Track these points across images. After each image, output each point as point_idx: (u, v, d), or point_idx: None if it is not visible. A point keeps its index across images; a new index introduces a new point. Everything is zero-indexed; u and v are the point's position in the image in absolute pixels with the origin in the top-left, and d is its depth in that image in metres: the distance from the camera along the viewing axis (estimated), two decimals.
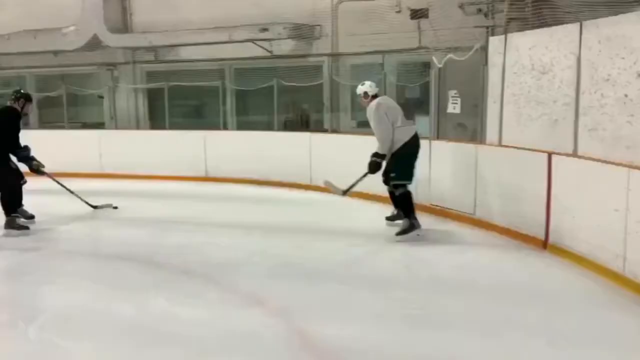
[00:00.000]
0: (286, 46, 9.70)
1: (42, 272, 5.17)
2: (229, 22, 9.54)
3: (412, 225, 5.73)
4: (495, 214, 5.96)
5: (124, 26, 10.71)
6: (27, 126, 11.21)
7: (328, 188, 6.34)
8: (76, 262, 5.40)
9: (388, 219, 6.25)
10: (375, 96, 5.92)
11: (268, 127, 10.00)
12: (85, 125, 11.55)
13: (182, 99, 10.83)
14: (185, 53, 10.45)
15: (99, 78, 11.25)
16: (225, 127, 10.31)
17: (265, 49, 9.69)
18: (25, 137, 10.31)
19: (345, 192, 6.14)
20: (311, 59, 9.65)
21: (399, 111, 5.87)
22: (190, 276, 4.86)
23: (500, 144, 6.14)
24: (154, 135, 10.32)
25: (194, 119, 11.11)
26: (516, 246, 5.54)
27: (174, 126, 10.47)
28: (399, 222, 5.97)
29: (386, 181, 5.87)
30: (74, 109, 11.57)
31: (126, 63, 10.95)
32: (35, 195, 6.81)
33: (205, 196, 8.54)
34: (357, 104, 9.25)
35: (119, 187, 9.09)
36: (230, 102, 10.41)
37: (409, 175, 5.77)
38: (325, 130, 9.52)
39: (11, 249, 5.77)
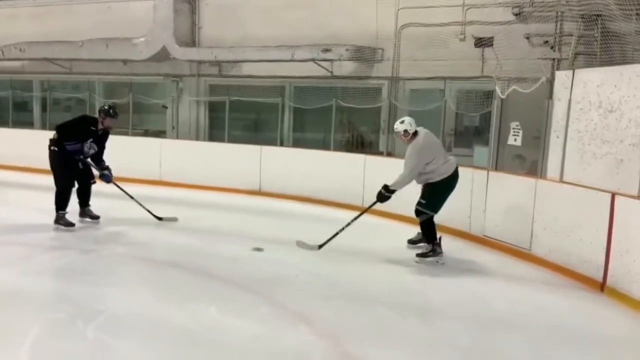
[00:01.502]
0: (347, 67, 9.81)
1: (100, 274, 5.35)
2: (293, 41, 9.73)
3: (434, 251, 5.90)
4: (553, 251, 5.82)
5: (191, 40, 11.06)
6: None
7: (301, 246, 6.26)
8: (132, 267, 5.58)
9: (410, 242, 6.46)
10: (415, 132, 5.91)
11: (324, 145, 10.10)
12: (148, 133, 11.94)
13: (241, 113, 11.07)
14: (248, 69, 10.69)
15: (164, 88, 11.63)
16: (281, 144, 10.46)
17: (326, 69, 9.82)
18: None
19: (320, 246, 6.14)
20: (371, 82, 9.72)
21: (440, 147, 6.11)
22: (241, 289, 4.94)
23: (561, 180, 6.01)
24: (213, 147, 10.57)
25: (252, 133, 11.33)
26: (572, 286, 5.39)
27: (233, 139, 10.71)
28: (421, 245, 6.26)
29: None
30: (139, 116, 11.99)
31: (191, 75, 11.30)
32: (100, 198, 7.08)
33: (257, 210, 8.65)
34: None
35: (175, 195, 9.34)
36: (288, 119, 10.58)
37: (437, 208, 5.93)
38: (380, 153, 9.53)
39: (73, 249, 6.00)
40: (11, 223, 7.03)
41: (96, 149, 6.88)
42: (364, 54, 9.43)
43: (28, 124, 13.00)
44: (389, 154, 9.39)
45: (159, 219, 7.31)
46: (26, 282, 4.90)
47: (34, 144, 11.44)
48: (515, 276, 5.70)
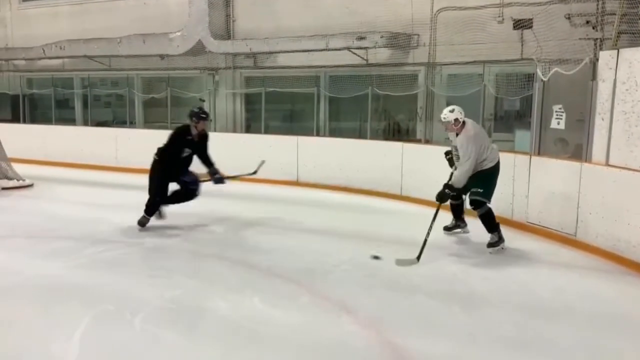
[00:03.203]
0: (382, 55, 9.71)
1: (144, 266, 5.46)
2: (326, 30, 9.68)
3: (500, 238, 5.81)
4: (599, 237, 5.66)
5: (226, 33, 11.12)
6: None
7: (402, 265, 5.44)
8: (175, 258, 5.65)
9: (446, 228, 6.43)
10: (464, 122, 5.75)
11: (360, 134, 10.05)
12: None
13: (277, 104, 11.10)
14: (283, 59, 10.70)
15: (201, 82, 11.74)
16: (318, 133, 10.45)
17: (361, 57, 9.74)
18: (132, 135, 11.01)
19: (418, 258, 5.47)
20: (407, 68, 9.60)
21: (486, 135, 6.01)
22: (282, 279, 4.97)
23: (607, 164, 5.83)
24: (250, 139, 10.63)
25: (289, 123, 11.35)
26: (620, 271, 5.25)
27: (269, 130, 10.76)
28: (457, 231, 6.39)
29: (467, 194, 5.89)
30: (177, 110, 12.14)
31: (227, 68, 11.38)
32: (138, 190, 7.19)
33: (296, 201, 8.68)
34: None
35: (214, 187, 9.41)
36: (324, 109, 10.56)
37: (491, 194, 5.78)
38: (418, 140, 9.43)
39: (118, 242, 6.13)
40: (58, 218, 7.23)
41: (189, 151, 6.69)
42: (399, 41, 9.31)
43: (70, 121, 13.33)
44: (427, 141, 9.28)
45: (254, 172, 7.58)
46: (75, 275, 5.04)
47: (76, 140, 11.87)
48: (560, 263, 5.57)
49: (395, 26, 9.31)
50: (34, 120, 13.71)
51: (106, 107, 13.65)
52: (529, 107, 7.58)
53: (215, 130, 11.41)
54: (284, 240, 6.28)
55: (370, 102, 9.64)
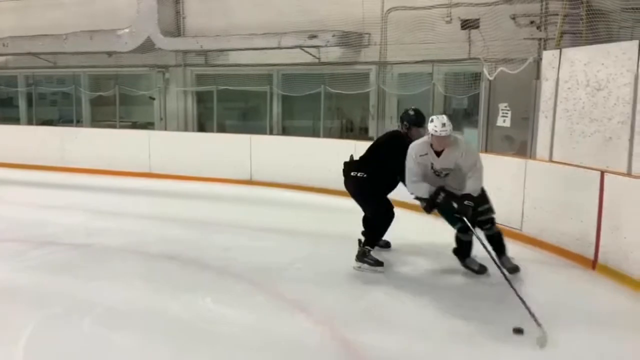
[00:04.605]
0: (334, 53, 9.77)
1: (93, 268, 5.32)
2: (279, 28, 9.65)
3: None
4: (544, 231, 5.86)
5: (176, 30, 10.95)
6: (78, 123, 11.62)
7: None
8: (125, 260, 5.55)
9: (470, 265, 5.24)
10: None
11: (313, 132, 10.08)
12: (136, 125, 11.86)
13: (230, 102, 11.02)
14: (235, 57, 10.62)
15: (150, 79, 11.53)
16: (271, 132, 10.43)
17: (314, 56, 9.78)
18: (78, 134, 10.69)
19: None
20: (359, 67, 9.68)
21: None
22: (236, 278, 4.95)
23: (550, 160, 6.05)
24: (202, 137, 10.53)
25: (241, 122, 11.29)
26: (564, 265, 5.44)
27: (221, 129, 10.67)
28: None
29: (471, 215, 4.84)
30: (125, 108, 11.91)
31: (177, 66, 11.20)
32: (100, 193, 7.03)
33: (249, 199, 8.65)
34: (402, 112, 9.24)
35: (165, 187, 9.31)
36: (276, 107, 10.53)
37: None
38: (370, 138, 9.52)
39: (65, 244, 5.96)
40: (4, 220, 6.99)
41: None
42: (351, 40, 9.39)
43: (14, 120, 12.86)
44: None
45: None
46: (21, 277, 4.90)
47: (21, 140, 11.48)
48: None
49: (346, 25, 9.37)
50: None
51: (52, 106, 13.25)
52: (476, 106, 7.78)
53: (166, 129, 11.26)
54: (237, 239, 6.25)
55: (323, 100, 9.68)
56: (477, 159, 4.89)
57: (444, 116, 4.78)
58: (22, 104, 12.92)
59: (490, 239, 5.03)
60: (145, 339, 3.75)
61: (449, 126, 4.69)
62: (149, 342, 3.71)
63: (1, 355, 3.50)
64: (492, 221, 5.08)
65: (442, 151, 4.84)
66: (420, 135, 5.17)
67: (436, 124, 4.69)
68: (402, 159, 5.01)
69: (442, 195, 4.85)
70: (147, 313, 4.18)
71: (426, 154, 4.87)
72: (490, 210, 5.06)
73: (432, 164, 4.91)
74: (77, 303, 4.30)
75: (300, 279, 5.00)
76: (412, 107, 5.49)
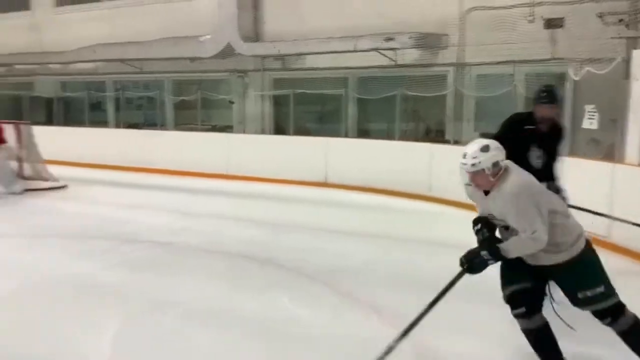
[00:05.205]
0: (411, 55, 9.67)
1: (173, 266, 5.52)
2: (355, 31, 9.67)
3: None
4: (634, 239, 5.54)
5: (255, 35, 11.21)
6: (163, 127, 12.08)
7: None
8: (205, 258, 5.72)
9: None
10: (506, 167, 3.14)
11: (388, 135, 10.03)
12: (215, 128, 12.22)
13: (306, 106, 11.15)
14: (311, 61, 10.73)
15: (230, 84, 11.85)
16: (346, 135, 10.47)
17: (390, 58, 9.72)
18: (162, 137, 11.10)
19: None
20: (436, 69, 9.55)
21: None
22: (311, 279, 4.99)
23: None
24: (279, 140, 10.72)
25: (317, 124, 11.40)
26: None
27: (298, 132, 10.81)
28: None
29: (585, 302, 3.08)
30: (206, 111, 12.31)
31: (256, 70, 11.45)
32: (182, 193, 7.30)
33: (324, 201, 8.71)
34: (481, 115, 9.00)
35: (243, 188, 9.52)
36: (352, 110, 10.56)
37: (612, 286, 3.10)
38: (447, 141, 9.37)
39: (146, 242, 6.22)
40: (91, 218, 7.37)
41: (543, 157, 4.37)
42: (428, 41, 9.27)
43: (103, 123, 13.59)
44: (456, 142, 9.21)
45: None
46: (107, 274, 5.12)
47: (109, 142, 12.10)
48: None
49: (424, 26, 9.26)
50: (67, 122, 13.99)
51: (137, 110, 13.89)
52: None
53: (244, 132, 11.52)
54: (312, 241, 6.30)
55: (399, 103, 9.61)
56: (528, 222, 2.96)
57: (480, 142, 3.14)
58: (110, 108, 13.64)
59: (622, 336, 3.10)
60: (225, 337, 3.83)
61: (473, 158, 3.06)
62: (228, 340, 3.78)
63: (89, 349, 3.66)
64: (612, 311, 3.06)
65: (489, 191, 3.16)
66: (542, 115, 4.25)
67: (466, 151, 3.13)
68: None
69: (477, 228, 3.29)
70: (226, 311, 4.28)
71: (471, 185, 3.26)
72: (603, 296, 3.04)
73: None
74: (160, 299, 4.46)
75: (374, 281, 4.98)
76: (545, 84, 4.88)
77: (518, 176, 3.10)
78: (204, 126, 12.13)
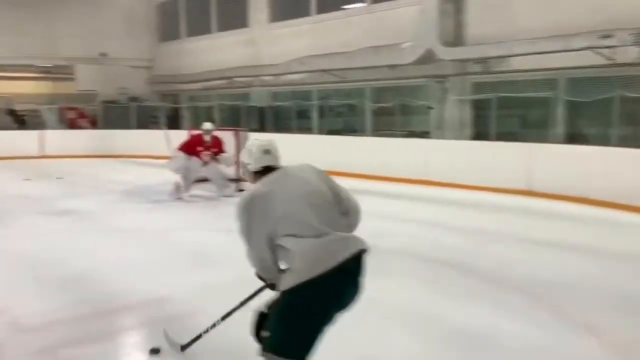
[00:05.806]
0: (631, 53, 8.73)
1: (376, 267, 5.62)
2: (566, 29, 9.04)
3: None
4: None
5: (456, 39, 11.03)
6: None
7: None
8: (407, 262, 5.75)
9: None
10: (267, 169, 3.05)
11: (603, 141, 9.17)
12: (412, 134, 12.28)
13: (507, 110, 10.68)
14: (516, 63, 10.24)
15: (427, 89, 11.81)
16: (554, 140, 9.79)
17: (606, 57, 8.89)
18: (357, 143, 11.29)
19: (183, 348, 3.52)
20: None
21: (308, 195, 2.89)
22: (516, 292, 4.76)
23: None
24: (479, 146, 10.40)
25: (520, 129, 10.85)
26: None
27: (499, 137, 10.41)
28: None
29: None
30: (403, 118, 12.43)
31: (456, 75, 11.27)
32: (379, 198, 7.49)
33: (528, 210, 8.26)
34: None
35: (442, 195, 9.43)
36: (561, 114, 9.86)
37: (290, 344, 2.74)
38: None
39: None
40: None
41: None
42: None
43: (307, 130, 14.45)
44: None
45: None
46: None
47: (313, 148, 12.82)
48: None
49: None
50: (277, 129, 15.13)
51: (338, 117, 14.52)
52: None
53: (442, 138, 11.40)
54: (516, 251, 6.03)
55: (618, 105, 8.74)
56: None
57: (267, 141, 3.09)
58: (314, 115, 14.46)
59: None
60: (425, 342, 3.83)
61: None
62: (428, 345, 3.78)
63: None
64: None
65: None
66: None
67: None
68: None
69: None
70: (428, 316, 4.27)
71: None
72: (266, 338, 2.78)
73: None
74: (363, 298, 4.59)
75: (589, 299, 4.58)
76: None
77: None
78: (401, 132, 12.26)
